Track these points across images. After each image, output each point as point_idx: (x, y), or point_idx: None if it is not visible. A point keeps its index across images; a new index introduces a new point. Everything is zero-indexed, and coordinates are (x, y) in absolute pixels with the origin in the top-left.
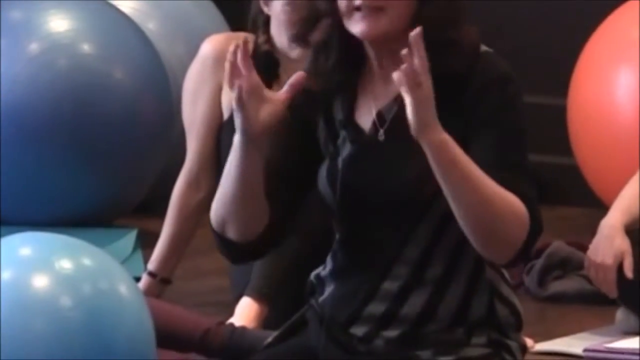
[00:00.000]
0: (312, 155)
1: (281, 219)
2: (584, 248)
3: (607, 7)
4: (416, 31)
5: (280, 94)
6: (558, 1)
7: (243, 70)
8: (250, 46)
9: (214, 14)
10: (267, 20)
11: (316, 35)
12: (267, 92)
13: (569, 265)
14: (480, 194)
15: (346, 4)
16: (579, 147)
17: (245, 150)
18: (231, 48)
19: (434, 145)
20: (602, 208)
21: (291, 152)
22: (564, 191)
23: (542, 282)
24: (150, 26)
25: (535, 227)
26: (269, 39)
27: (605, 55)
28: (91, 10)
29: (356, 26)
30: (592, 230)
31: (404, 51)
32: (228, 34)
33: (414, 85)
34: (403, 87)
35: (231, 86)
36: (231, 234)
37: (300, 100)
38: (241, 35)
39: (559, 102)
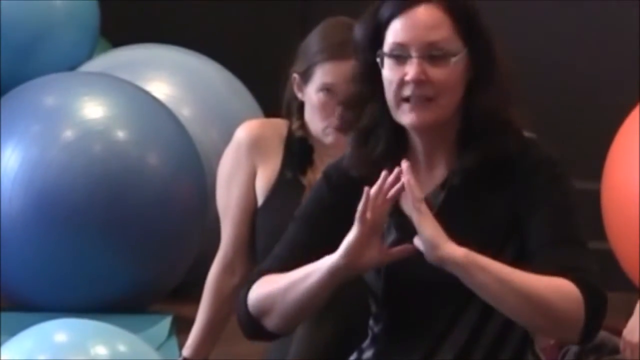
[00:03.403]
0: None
1: None
2: (619, 332)
3: None
4: (404, 166)
5: (393, 250)
6: (591, 85)
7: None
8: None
9: (248, 100)
10: (301, 106)
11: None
12: (379, 239)
13: (604, 350)
14: (519, 293)
15: (394, 94)
16: (612, 232)
17: (335, 276)
18: (394, 174)
19: (452, 262)
20: (636, 292)
21: (334, 237)
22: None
23: None
24: (184, 112)
25: (595, 300)
26: (303, 125)
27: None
28: (125, 96)
29: (406, 117)
30: (627, 315)
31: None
32: (262, 120)
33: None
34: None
35: (367, 212)
36: (269, 324)
37: (343, 186)
38: (276, 121)
39: (593, 187)
